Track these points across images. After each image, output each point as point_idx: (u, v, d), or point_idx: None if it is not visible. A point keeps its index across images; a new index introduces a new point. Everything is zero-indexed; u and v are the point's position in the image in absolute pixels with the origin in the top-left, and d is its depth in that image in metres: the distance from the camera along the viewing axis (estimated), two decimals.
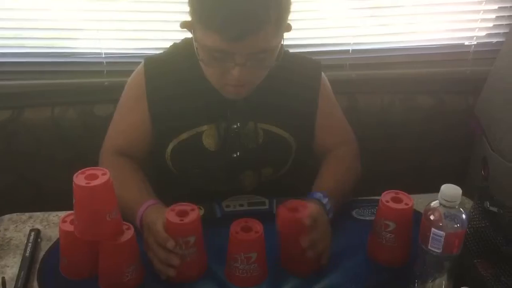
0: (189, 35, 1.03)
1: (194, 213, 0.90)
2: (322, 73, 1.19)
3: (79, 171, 0.85)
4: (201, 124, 1.10)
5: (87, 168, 0.85)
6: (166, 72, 1.12)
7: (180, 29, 1.41)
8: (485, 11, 1.65)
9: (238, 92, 1.03)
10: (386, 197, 0.94)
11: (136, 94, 1.13)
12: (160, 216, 0.91)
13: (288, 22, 1.01)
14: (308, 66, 1.19)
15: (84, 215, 0.85)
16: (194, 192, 1.08)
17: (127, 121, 1.15)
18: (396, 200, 0.93)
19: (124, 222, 0.90)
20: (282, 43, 1.01)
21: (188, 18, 0.99)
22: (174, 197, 0.97)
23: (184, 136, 1.11)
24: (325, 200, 1.00)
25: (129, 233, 0.88)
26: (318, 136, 1.19)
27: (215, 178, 1.14)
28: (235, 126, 1.10)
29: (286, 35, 1.01)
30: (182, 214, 0.90)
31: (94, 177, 0.83)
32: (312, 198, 1.01)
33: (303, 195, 1.02)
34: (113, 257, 0.88)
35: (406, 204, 0.93)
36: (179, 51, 1.13)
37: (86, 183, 0.82)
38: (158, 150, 1.14)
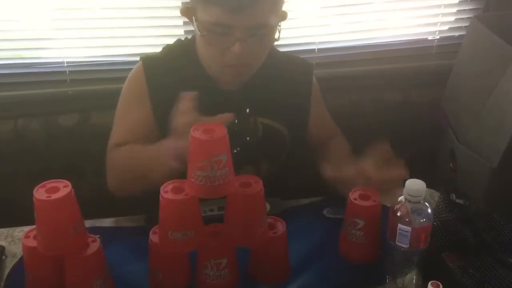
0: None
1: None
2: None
3: (39, 184, 0.82)
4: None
5: (48, 181, 0.83)
6: (165, 70, 1.13)
7: (143, 35, 1.41)
8: (446, 6, 1.67)
9: (238, 73, 1.07)
10: (354, 194, 0.94)
11: (137, 92, 1.14)
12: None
13: (284, 10, 1.07)
14: (300, 63, 1.25)
15: (46, 230, 0.83)
16: None
17: (131, 118, 1.14)
18: (364, 197, 0.94)
19: (90, 235, 0.88)
20: (279, 27, 1.05)
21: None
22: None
23: None
24: None
25: (95, 246, 0.86)
26: (313, 128, 1.24)
27: None
28: (236, 121, 1.11)
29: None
30: None
31: (55, 190, 0.81)
32: None
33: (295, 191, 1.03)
34: (79, 271, 0.86)
35: (374, 200, 0.93)
36: (174, 50, 1.16)
37: (47, 197, 0.80)
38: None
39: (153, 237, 0.88)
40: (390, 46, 1.70)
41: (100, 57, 1.53)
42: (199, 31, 1.02)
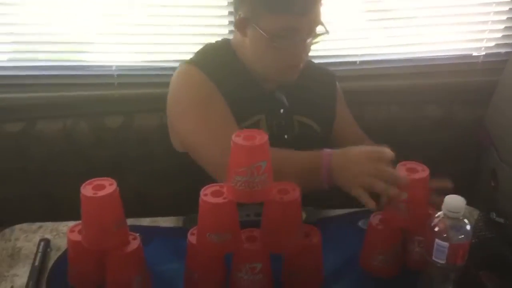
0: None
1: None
2: None
3: (87, 181, 0.86)
4: (254, 115, 1.17)
5: (95, 179, 0.87)
6: (215, 67, 1.15)
7: (188, 42, 1.44)
8: (494, 22, 1.64)
9: (296, 72, 1.15)
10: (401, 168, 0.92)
11: (207, 90, 1.12)
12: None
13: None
14: (323, 67, 1.36)
15: (91, 225, 0.86)
16: None
17: (218, 115, 1.12)
18: (412, 170, 0.92)
19: (131, 233, 0.91)
20: None
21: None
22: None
23: (245, 124, 1.15)
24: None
25: (135, 243, 0.89)
26: (339, 130, 1.30)
27: None
28: (280, 120, 1.18)
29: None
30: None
31: (101, 187, 0.85)
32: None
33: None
34: (120, 267, 0.89)
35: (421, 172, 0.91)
36: (210, 52, 1.21)
37: (93, 194, 0.83)
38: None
39: (191, 238, 0.90)
40: (433, 60, 1.68)
41: (146, 62, 1.59)
42: (261, 39, 1.07)
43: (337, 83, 1.34)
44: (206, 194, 0.86)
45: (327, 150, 1.00)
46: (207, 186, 0.88)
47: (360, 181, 0.92)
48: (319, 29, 1.10)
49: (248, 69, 1.17)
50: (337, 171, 0.97)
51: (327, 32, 1.11)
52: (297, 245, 0.89)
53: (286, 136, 1.19)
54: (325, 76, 1.32)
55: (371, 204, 0.90)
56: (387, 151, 0.93)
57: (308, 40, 1.08)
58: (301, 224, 0.90)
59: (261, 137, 0.83)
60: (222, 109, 1.13)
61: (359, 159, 0.94)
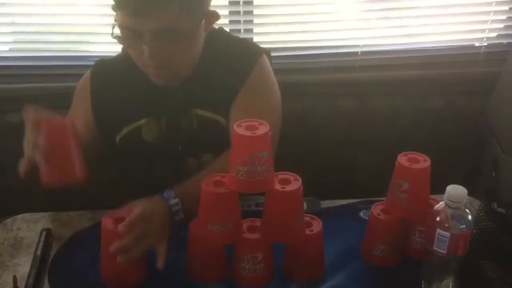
0: None
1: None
2: (262, 59, 1.15)
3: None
4: (139, 118, 1.13)
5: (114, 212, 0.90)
6: (111, 71, 1.17)
7: None
8: (496, 12, 1.64)
9: (160, 74, 1.06)
10: (402, 158, 0.92)
11: (81, 92, 1.18)
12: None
13: (214, 10, 1.05)
14: (245, 49, 1.17)
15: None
16: (146, 189, 1.03)
17: (73, 116, 1.17)
18: (413, 160, 0.92)
19: None
20: (201, 30, 1.03)
21: None
22: (129, 195, 0.96)
23: (125, 131, 1.14)
24: (173, 201, 0.96)
25: None
26: (230, 120, 1.12)
27: (159, 170, 1.16)
28: (174, 117, 1.12)
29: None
30: None
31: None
32: (160, 196, 0.97)
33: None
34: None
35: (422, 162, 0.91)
36: (122, 51, 1.18)
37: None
38: (109, 148, 1.17)
39: (193, 228, 0.91)
40: (435, 51, 1.67)
41: None
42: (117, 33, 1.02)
43: (262, 62, 1.14)
44: (208, 184, 0.86)
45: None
46: (210, 176, 0.88)
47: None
48: (174, 34, 0.98)
49: None
50: None
51: (186, 39, 1.00)
52: (298, 235, 0.89)
53: (180, 147, 1.13)
54: (238, 63, 1.13)
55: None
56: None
57: (151, 45, 0.97)
58: (302, 214, 0.90)
59: (263, 128, 0.83)
60: (81, 114, 1.14)
61: None
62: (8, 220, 1.11)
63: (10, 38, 1.60)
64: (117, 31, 1.00)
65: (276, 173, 0.88)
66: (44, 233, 1.03)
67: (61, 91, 1.55)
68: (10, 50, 1.58)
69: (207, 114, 1.13)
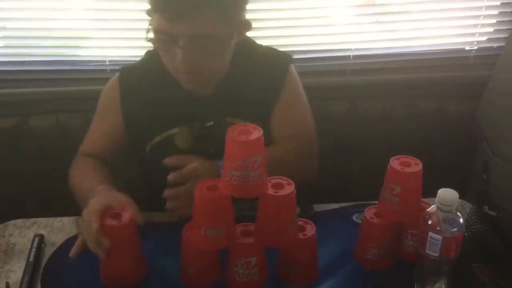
0: None
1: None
2: (292, 66, 1.20)
3: None
4: (172, 127, 1.13)
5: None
6: (140, 79, 1.16)
7: None
8: (486, 16, 1.65)
9: (191, 80, 1.07)
10: (394, 162, 0.92)
11: (109, 101, 1.18)
12: (99, 200, 0.91)
13: (248, 19, 1.07)
14: (276, 57, 1.21)
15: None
16: None
17: (101, 128, 1.18)
18: (405, 164, 0.92)
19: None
20: (235, 37, 1.05)
21: None
22: (155, 200, 0.99)
23: (157, 139, 1.14)
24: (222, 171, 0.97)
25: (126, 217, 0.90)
26: (272, 128, 1.16)
27: None
28: (208, 125, 1.13)
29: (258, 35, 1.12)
30: None
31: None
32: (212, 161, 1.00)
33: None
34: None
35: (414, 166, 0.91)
36: (152, 57, 1.17)
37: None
38: (138, 155, 1.17)
39: (186, 233, 0.91)
40: (426, 55, 1.68)
41: (140, 57, 1.58)
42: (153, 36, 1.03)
43: (291, 68, 1.20)
44: (201, 189, 0.86)
45: (95, 197, 0.94)
46: (203, 180, 0.88)
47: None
48: (208, 40, 0.99)
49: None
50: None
51: (220, 46, 1.02)
52: (292, 239, 0.90)
53: (211, 149, 1.10)
54: (274, 63, 1.18)
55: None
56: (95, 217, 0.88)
57: (185, 49, 0.98)
58: (296, 218, 0.90)
59: (256, 132, 0.84)
60: (111, 126, 1.17)
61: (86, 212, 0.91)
62: (0, 226, 1.10)
63: (0, 43, 1.59)
64: (150, 34, 1.02)
65: (269, 178, 0.88)
66: (37, 239, 1.03)
67: (52, 96, 1.55)
68: (1, 55, 1.57)
69: (242, 122, 1.13)
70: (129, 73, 1.19)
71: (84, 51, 1.60)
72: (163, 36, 0.99)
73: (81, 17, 1.52)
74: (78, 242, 0.93)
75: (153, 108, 1.14)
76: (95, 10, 1.52)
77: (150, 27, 1.02)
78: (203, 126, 1.13)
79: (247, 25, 1.08)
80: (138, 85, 1.16)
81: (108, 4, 1.52)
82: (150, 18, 1.02)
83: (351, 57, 1.65)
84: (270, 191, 0.86)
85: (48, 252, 1.02)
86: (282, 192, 0.86)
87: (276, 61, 1.19)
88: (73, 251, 0.93)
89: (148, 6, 1.01)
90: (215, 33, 0.99)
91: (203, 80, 1.08)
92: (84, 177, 1.08)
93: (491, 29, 1.68)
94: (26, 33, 1.56)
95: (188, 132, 1.13)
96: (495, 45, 1.69)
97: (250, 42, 1.20)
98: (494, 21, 1.67)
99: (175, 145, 1.13)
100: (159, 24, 0.98)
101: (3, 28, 1.55)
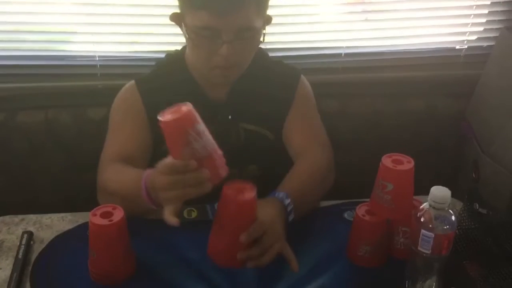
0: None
1: None
2: (302, 76, 1.25)
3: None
4: None
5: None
6: (157, 84, 1.17)
7: (172, 32, 1.43)
8: (476, 15, 1.66)
9: (225, 74, 1.09)
10: (387, 160, 0.92)
11: (130, 104, 1.17)
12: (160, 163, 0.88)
13: (269, 14, 1.10)
14: (287, 70, 1.25)
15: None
16: None
17: (126, 132, 1.16)
18: (397, 162, 0.92)
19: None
20: (264, 31, 1.08)
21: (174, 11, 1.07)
22: None
23: None
24: (287, 201, 0.99)
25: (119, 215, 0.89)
26: (287, 135, 1.21)
27: None
28: (222, 131, 1.12)
29: (270, 29, 1.10)
30: None
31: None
32: (274, 198, 1.00)
33: None
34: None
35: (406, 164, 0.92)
36: (165, 65, 1.20)
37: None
38: (156, 157, 1.15)
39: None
40: (416, 53, 1.69)
41: (130, 52, 1.57)
42: (188, 35, 1.05)
43: (302, 78, 1.25)
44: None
45: (148, 171, 0.92)
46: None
47: (165, 197, 0.87)
48: (249, 33, 1.04)
49: (195, 79, 1.15)
50: (151, 190, 0.91)
51: (262, 41, 1.08)
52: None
53: (234, 146, 1.14)
54: (286, 75, 1.24)
55: (171, 220, 0.85)
56: (168, 162, 0.86)
57: (231, 43, 1.01)
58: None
59: (250, 193, 0.86)
60: (136, 129, 1.15)
61: (155, 176, 0.88)
62: None
63: None
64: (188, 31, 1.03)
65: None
66: (25, 235, 1.02)
67: (40, 91, 1.53)
68: None
69: (255, 128, 1.18)
70: (144, 80, 1.19)
71: (74, 46, 1.58)
72: (207, 32, 1.01)
73: (71, 11, 1.50)
74: (167, 212, 0.86)
75: None
76: (84, 4, 1.50)
77: (183, 26, 1.04)
78: (219, 132, 1.11)
79: (270, 19, 1.12)
80: (157, 88, 1.16)
81: None
82: (184, 17, 1.04)
83: (343, 55, 1.65)
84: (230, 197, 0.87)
85: (37, 249, 1.01)
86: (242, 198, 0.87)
87: (288, 74, 1.24)
88: (174, 222, 0.84)
89: (178, 8, 1.04)
90: (254, 26, 1.03)
91: (236, 74, 1.12)
92: (125, 174, 1.03)
93: (481, 28, 1.69)
94: (14, 27, 1.54)
95: None
96: (485, 44, 1.70)
97: (261, 51, 1.22)
98: (484, 20, 1.68)
99: None
100: (203, 20, 1.00)
101: None
